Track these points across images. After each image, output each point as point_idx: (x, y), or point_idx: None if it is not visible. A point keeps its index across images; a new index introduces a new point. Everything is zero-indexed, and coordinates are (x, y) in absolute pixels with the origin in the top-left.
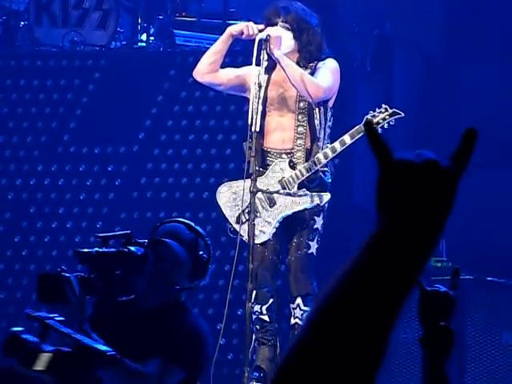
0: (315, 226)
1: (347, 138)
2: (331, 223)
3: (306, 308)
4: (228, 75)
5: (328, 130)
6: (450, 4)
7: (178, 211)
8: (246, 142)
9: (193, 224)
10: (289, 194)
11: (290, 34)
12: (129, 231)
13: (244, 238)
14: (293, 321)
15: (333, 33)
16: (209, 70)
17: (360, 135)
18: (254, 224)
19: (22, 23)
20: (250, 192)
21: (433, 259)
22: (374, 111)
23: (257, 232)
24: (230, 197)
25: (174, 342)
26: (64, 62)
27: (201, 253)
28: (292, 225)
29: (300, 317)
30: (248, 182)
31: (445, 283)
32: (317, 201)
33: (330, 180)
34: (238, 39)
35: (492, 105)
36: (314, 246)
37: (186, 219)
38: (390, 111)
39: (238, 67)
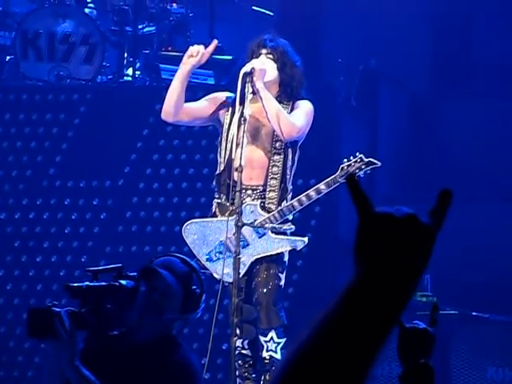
0: (284, 259)
1: (323, 187)
2: (317, 256)
3: (279, 340)
4: (198, 108)
5: (293, 172)
6: (435, 40)
7: (163, 245)
8: (220, 177)
9: (187, 258)
10: (274, 229)
11: (273, 65)
12: (120, 265)
13: (215, 275)
14: (266, 353)
15: (318, 67)
16: (176, 109)
17: (336, 185)
18: (239, 258)
19: (8, 57)
20: (236, 226)
21: (418, 294)
22: (349, 160)
23: (228, 270)
24: (196, 235)
25: (164, 377)
26: (50, 96)
27: (194, 287)
28: (260, 257)
29: (274, 349)
30: (220, 219)
31: (428, 318)
32: (292, 247)
33: (291, 218)
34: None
35: (477, 140)
36: (283, 278)
37: (180, 254)
38: (366, 161)
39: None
